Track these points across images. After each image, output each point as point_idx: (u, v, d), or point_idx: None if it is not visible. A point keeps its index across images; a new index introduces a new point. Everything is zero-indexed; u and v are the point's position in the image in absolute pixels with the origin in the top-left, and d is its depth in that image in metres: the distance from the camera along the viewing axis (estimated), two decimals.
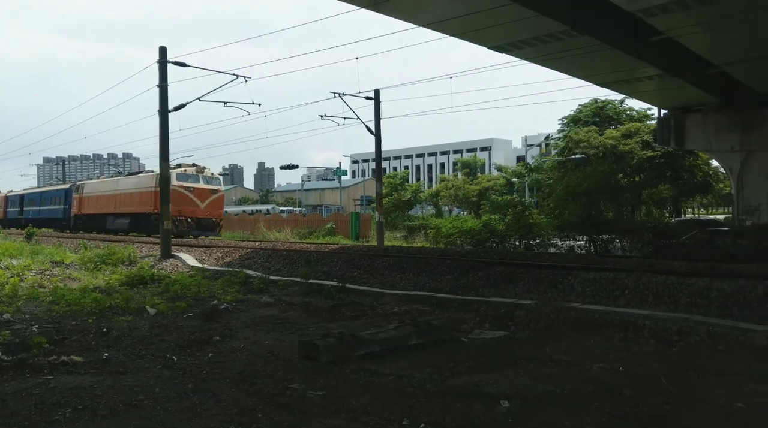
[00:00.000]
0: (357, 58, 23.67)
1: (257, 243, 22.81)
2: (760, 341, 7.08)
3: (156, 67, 20.77)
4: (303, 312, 10.16)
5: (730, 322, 7.80)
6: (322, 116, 27.85)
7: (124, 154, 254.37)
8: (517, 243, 23.06)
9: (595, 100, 47.03)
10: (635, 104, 44.24)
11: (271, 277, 13.97)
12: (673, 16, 16.54)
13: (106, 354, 6.88)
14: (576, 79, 24.41)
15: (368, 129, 27.80)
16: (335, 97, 26.76)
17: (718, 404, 5.17)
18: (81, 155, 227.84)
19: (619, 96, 39.85)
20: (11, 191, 60.00)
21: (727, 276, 10.06)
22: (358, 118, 27.56)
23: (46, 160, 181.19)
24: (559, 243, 23.16)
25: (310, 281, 13.13)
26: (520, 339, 8.06)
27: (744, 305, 8.65)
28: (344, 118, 27.76)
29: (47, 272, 16.38)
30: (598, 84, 25.69)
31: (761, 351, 6.89)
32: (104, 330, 8.26)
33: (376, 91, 28.33)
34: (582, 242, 22.45)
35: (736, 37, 18.25)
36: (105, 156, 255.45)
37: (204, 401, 5.18)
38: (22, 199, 52.83)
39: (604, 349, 7.28)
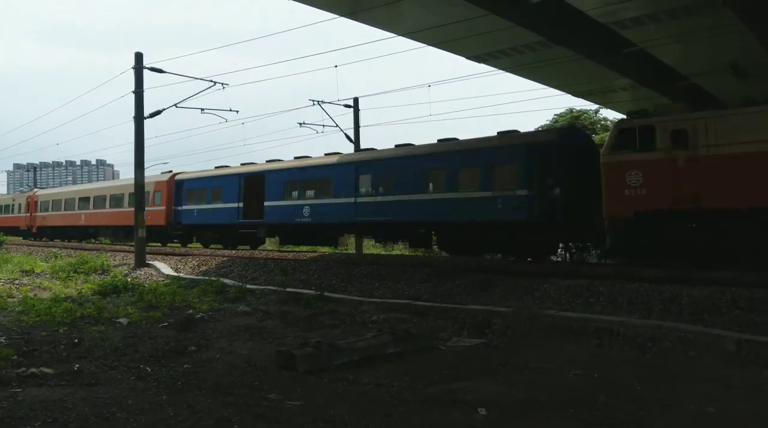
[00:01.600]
0: (336, 67, 23.75)
1: (234, 252, 22.55)
2: (729, 346, 7.24)
3: (132, 73, 20.53)
4: (280, 321, 10.08)
5: (701, 328, 7.96)
6: (300, 124, 27.75)
7: (97, 160, 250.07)
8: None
9: (571, 110, 47.68)
10: (609, 114, 45.04)
11: (248, 286, 13.83)
12: (645, 29, 16.98)
13: (78, 366, 6.73)
14: (552, 89, 24.82)
15: (347, 137, 27.82)
16: (314, 104, 26.74)
17: (690, 409, 5.27)
18: (53, 162, 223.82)
19: (593, 106, 40.56)
20: (178, 173, 28.21)
21: (698, 283, 10.27)
22: (337, 125, 27.54)
23: (17, 166, 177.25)
24: None
25: (288, 289, 13.03)
26: (498, 346, 8.12)
27: (714, 311, 8.84)
28: (323, 126, 27.71)
29: (17, 281, 15.98)
30: (573, 94, 26.18)
31: (730, 357, 7.04)
32: (76, 340, 8.08)
33: (355, 100, 28.39)
34: (558, 250, 22.69)
35: (703, 50, 18.79)
36: (78, 162, 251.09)
37: (179, 413, 5.10)
38: (255, 182, 23.11)
39: (579, 356, 7.37)
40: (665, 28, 16.71)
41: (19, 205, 41.95)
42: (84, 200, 34.45)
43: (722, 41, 17.39)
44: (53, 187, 51.53)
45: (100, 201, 32.86)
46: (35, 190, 45.15)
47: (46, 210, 38.13)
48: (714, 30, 16.09)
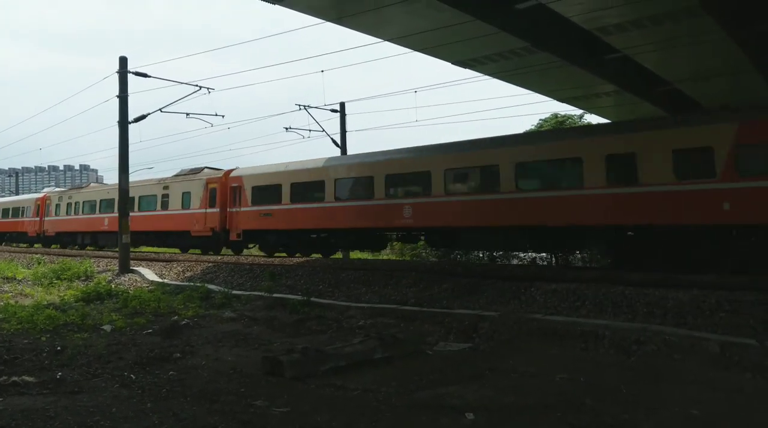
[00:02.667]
0: (322, 71, 23.72)
1: (219, 257, 22.39)
2: (713, 349, 7.32)
3: (116, 77, 20.35)
4: (267, 327, 10.01)
5: (685, 331, 8.05)
6: (287, 128, 27.63)
7: (81, 165, 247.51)
8: (481, 255, 23.30)
9: (555, 115, 48.05)
10: (593, 119, 45.47)
11: (234, 292, 13.74)
12: (628, 35, 17.19)
13: (60, 374, 6.63)
14: (537, 94, 25.01)
15: (334, 141, 27.77)
16: (300, 109, 26.68)
17: (675, 412, 5.32)
18: (36, 167, 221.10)
19: (578, 111, 40.87)
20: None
21: (682, 286, 10.38)
22: (323, 130, 27.48)
23: None
24: (522, 254, 23.52)
25: (274, 295, 12.97)
26: (485, 350, 8.13)
27: (698, 314, 8.94)
28: (309, 131, 27.62)
29: None
30: (558, 99, 26.37)
31: (714, 359, 7.12)
32: (58, 348, 7.96)
33: (342, 104, 28.39)
34: (544, 254, 22.84)
35: (685, 56, 19.07)
36: (61, 167, 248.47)
37: (164, 420, 5.04)
38: None
39: (565, 359, 7.40)
40: (648, 34, 16.94)
41: (184, 194, 25.10)
42: (389, 178, 17.74)
43: (704, 48, 17.65)
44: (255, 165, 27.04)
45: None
46: (206, 170, 25.65)
47: (267, 200, 21.42)
48: (696, 37, 16.34)
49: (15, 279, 18.16)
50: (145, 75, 20.51)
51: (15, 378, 6.25)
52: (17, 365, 7.11)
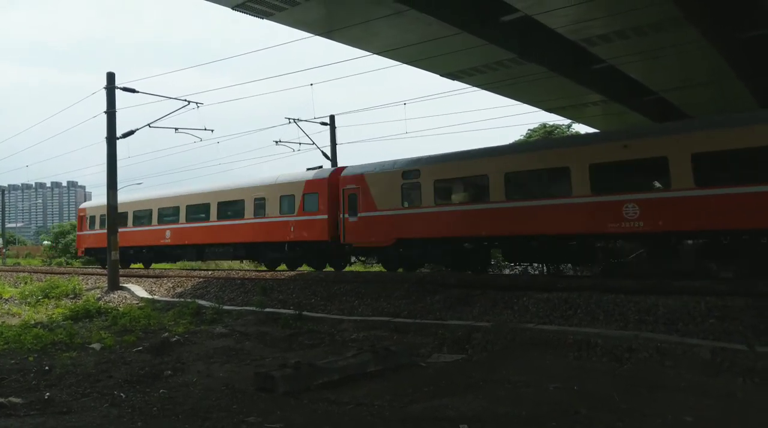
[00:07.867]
0: (312, 85, 23.84)
1: (210, 273, 22.25)
2: (704, 355, 7.35)
3: (103, 93, 20.29)
4: (259, 343, 9.93)
5: (677, 338, 8.08)
6: (277, 142, 27.69)
7: (69, 181, 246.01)
8: None
9: (544, 125, 48.45)
10: (582, 129, 45.90)
11: (225, 307, 13.64)
12: (613, 45, 17.44)
13: (48, 394, 6.52)
14: (525, 104, 25.24)
15: (324, 154, 27.81)
16: (290, 122, 26.73)
17: (668, 419, 5.32)
18: (22, 184, 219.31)
19: (566, 121, 41.24)
20: None
21: (672, 293, 10.43)
22: (313, 143, 27.53)
23: None
24: (513, 264, 23.54)
25: (266, 310, 12.88)
26: (478, 361, 8.11)
27: (689, 320, 8.98)
28: (300, 144, 27.67)
29: None
30: (546, 109, 26.65)
31: (706, 365, 7.15)
32: (46, 368, 7.85)
33: (332, 117, 28.48)
34: (536, 264, 22.87)
35: (670, 66, 19.37)
36: (48, 184, 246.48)
37: None
38: None
39: (559, 368, 7.40)
40: (633, 44, 17.21)
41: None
42: None
43: (688, 57, 17.93)
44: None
45: None
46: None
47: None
48: (680, 46, 16.61)
49: (2, 298, 17.93)
50: (133, 90, 20.48)
51: (1, 400, 6.14)
52: (4, 386, 7.00)
